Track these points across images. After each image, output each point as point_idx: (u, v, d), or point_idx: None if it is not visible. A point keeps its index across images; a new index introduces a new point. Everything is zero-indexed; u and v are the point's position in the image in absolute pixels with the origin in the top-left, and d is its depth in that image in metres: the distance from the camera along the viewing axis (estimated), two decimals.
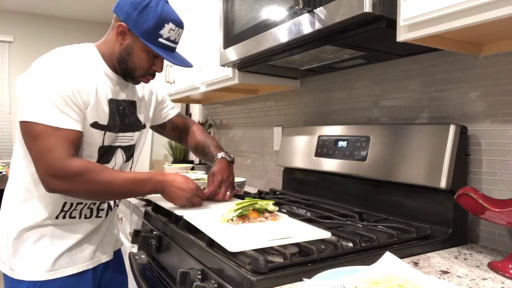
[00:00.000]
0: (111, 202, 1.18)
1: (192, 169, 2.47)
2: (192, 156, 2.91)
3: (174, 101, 2.38)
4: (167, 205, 1.16)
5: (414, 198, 1.08)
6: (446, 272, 0.80)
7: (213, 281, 0.79)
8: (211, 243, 0.86)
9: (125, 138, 1.14)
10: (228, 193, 1.24)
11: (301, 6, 0.98)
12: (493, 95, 0.99)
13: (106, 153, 1.08)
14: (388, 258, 0.75)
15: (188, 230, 0.99)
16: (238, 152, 2.27)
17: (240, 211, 0.97)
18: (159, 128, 1.38)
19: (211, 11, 1.73)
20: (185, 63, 1.09)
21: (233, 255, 0.79)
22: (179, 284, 0.83)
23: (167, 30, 1.02)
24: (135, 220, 1.62)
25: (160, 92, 1.32)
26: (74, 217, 1.08)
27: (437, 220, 1.02)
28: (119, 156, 1.13)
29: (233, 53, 1.38)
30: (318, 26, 0.97)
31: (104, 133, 1.05)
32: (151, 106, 1.26)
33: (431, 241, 0.96)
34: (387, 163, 1.14)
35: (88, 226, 1.11)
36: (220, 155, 1.28)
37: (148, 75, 1.11)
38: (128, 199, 1.66)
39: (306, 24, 1.01)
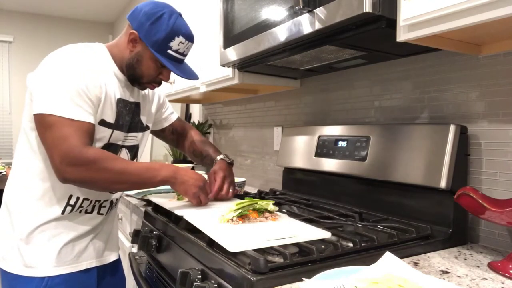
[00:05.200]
0: (114, 199, 1.18)
1: (192, 169, 2.47)
2: None
3: (174, 101, 2.39)
4: (167, 205, 1.16)
5: (414, 198, 1.08)
6: (446, 272, 0.80)
7: (213, 281, 0.79)
8: (211, 243, 0.86)
9: (130, 138, 1.16)
10: (230, 190, 1.24)
11: (301, 6, 0.98)
12: (493, 95, 0.99)
13: (109, 150, 1.09)
14: (388, 258, 0.75)
15: (188, 230, 0.99)
16: (238, 152, 2.27)
17: (240, 211, 0.97)
18: (159, 132, 1.39)
19: (211, 11, 1.73)
20: (190, 76, 1.12)
21: (233, 255, 0.79)
22: (179, 284, 0.83)
23: (176, 43, 1.05)
24: (135, 220, 1.62)
25: (162, 95, 1.34)
26: (79, 212, 1.08)
27: (437, 220, 1.02)
28: (124, 155, 1.15)
29: (233, 53, 1.38)
30: (318, 26, 0.97)
31: (112, 132, 1.07)
32: (154, 108, 1.28)
33: (431, 241, 0.96)
34: (387, 163, 1.14)
35: (91, 222, 1.11)
36: (219, 157, 1.30)
37: (155, 83, 1.13)
38: (128, 198, 1.66)
39: (306, 24, 1.01)
